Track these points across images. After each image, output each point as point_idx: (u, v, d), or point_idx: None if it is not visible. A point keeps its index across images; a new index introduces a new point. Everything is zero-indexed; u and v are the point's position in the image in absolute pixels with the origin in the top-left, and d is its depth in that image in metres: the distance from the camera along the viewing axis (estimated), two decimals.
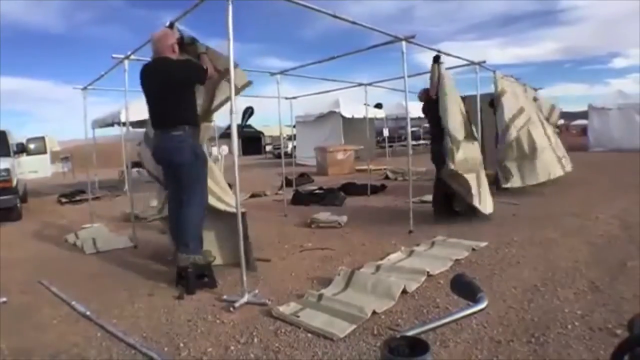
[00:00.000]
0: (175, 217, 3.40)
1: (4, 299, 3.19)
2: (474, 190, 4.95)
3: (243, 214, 3.20)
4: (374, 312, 2.60)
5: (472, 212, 5.08)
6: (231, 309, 2.80)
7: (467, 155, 5.02)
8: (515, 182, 6.61)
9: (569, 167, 7.86)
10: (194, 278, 3.17)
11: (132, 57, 4.67)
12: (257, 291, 3.05)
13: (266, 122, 25.33)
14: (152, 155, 3.53)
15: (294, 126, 16.28)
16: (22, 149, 9.02)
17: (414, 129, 21.34)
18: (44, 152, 11.22)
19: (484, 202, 5.10)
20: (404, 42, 4.65)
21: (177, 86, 3.26)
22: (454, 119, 5.01)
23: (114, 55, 4.77)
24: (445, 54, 5.32)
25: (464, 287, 1.02)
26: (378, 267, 3.47)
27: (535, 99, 8.47)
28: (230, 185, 3.77)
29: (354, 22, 4.17)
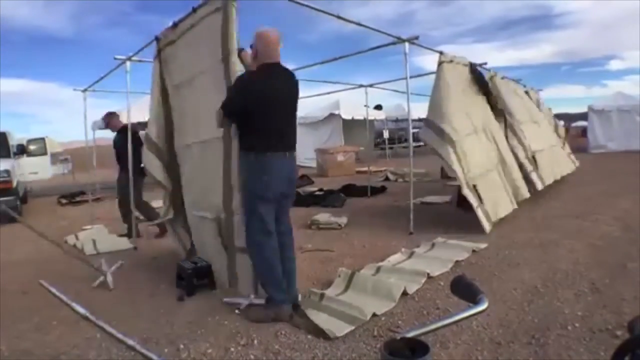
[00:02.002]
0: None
1: None
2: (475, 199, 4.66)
3: None
4: (374, 315, 2.60)
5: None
6: (236, 311, 2.79)
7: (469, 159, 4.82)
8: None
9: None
10: (194, 279, 3.17)
11: (134, 58, 4.68)
12: (257, 292, 3.05)
13: None
14: None
15: None
16: (22, 150, 9.03)
17: (414, 130, 21.37)
18: (44, 153, 11.22)
19: (492, 209, 4.74)
20: (406, 44, 4.67)
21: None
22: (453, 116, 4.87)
23: (116, 57, 4.79)
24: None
25: (465, 289, 1.02)
26: (378, 269, 3.47)
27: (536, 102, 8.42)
28: None
29: (358, 24, 4.18)
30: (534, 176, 6.22)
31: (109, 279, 3.47)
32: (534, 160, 6.37)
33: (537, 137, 6.90)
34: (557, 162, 7.24)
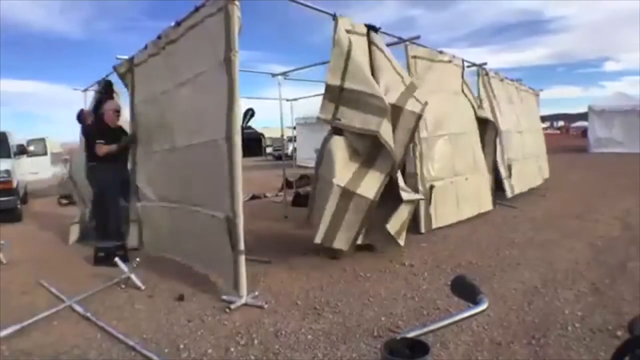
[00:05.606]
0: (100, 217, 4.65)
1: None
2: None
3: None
4: None
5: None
6: (226, 310, 2.80)
7: None
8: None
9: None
10: (114, 255, 3.88)
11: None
12: (256, 292, 3.05)
13: (267, 124, 25.23)
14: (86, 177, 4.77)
15: (295, 128, 16.28)
16: (22, 151, 9.00)
17: None
18: (44, 153, 11.21)
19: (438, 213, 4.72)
20: (407, 44, 4.72)
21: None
22: None
23: (117, 56, 4.80)
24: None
25: (465, 289, 1.02)
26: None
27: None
28: None
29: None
30: (506, 183, 6.28)
31: (135, 278, 3.38)
32: (509, 168, 6.44)
33: (516, 147, 6.92)
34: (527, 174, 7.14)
